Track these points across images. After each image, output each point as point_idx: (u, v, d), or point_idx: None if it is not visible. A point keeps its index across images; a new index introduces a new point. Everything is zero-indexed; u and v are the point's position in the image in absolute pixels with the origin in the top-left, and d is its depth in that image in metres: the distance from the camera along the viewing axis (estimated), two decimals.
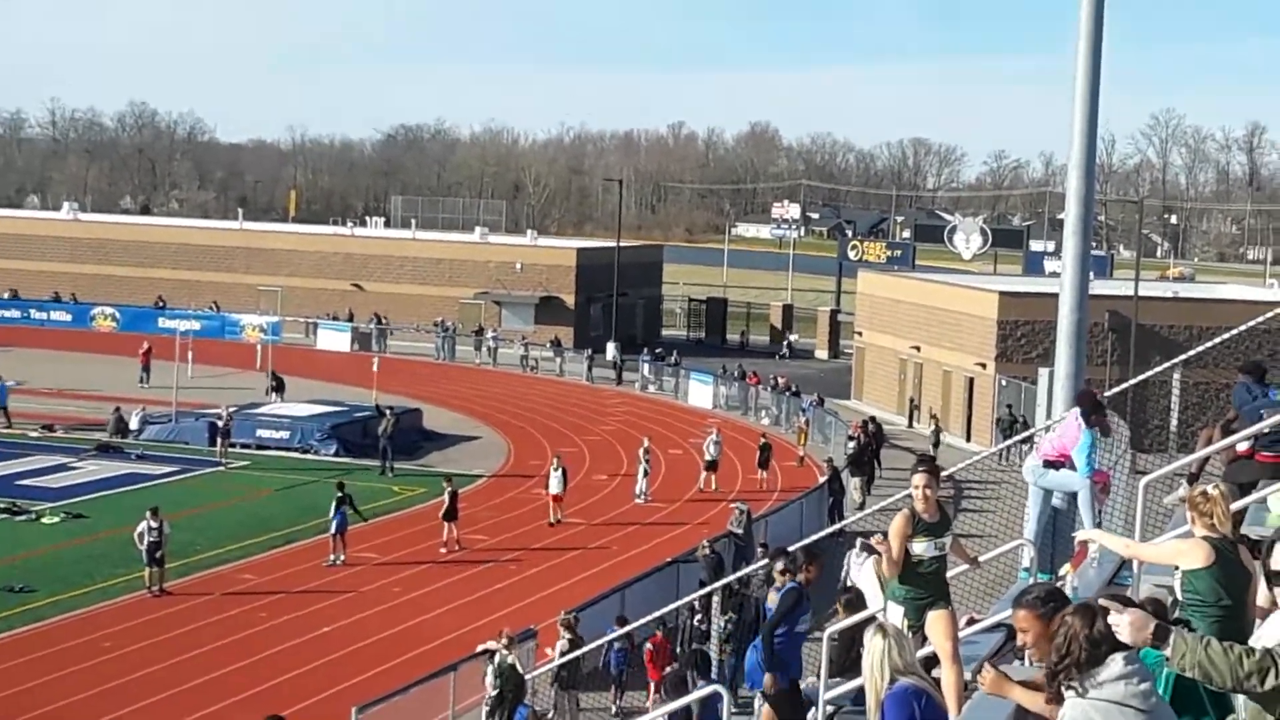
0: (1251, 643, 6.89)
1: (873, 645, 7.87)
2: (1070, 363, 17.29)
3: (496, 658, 26.63)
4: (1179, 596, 8.44)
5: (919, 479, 10.71)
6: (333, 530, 39.39)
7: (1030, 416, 51.22)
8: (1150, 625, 6.35)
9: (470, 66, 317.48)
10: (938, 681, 9.35)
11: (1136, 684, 6.21)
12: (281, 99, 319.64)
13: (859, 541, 16.72)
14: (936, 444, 59.79)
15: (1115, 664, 6.22)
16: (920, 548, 10.61)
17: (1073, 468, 14.13)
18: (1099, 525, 13.80)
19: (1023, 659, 11.18)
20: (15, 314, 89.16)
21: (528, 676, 25.91)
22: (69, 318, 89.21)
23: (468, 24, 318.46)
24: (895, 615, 10.57)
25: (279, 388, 62.58)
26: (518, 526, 44.45)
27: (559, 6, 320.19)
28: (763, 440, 53.77)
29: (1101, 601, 6.48)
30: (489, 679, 25.75)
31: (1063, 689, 6.32)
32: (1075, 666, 6.26)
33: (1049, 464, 14.48)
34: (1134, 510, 12.70)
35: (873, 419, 56.66)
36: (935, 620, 10.30)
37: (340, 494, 39.84)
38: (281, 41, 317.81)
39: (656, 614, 26.22)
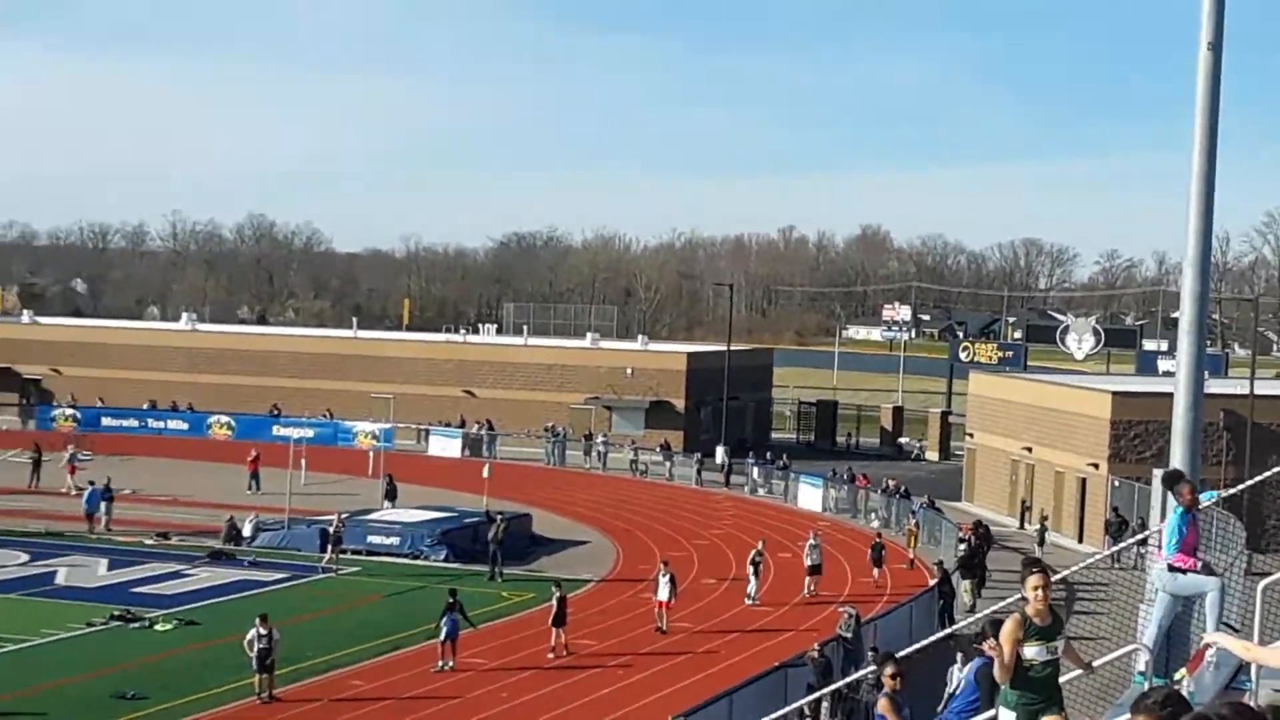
0: None
1: None
2: (1185, 462, 16.97)
3: None
4: None
5: (1034, 580, 10.50)
6: (442, 637, 39.35)
7: (1146, 517, 50.41)
8: None
9: (582, 173, 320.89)
10: None
11: None
12: (396, 208, 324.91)
13: (966, 644, 16.45)
14: (1041, 543, 59.19)
15: None
16: (1032, 651, 10.41)
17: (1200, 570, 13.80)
18: (1220, 627, 13.46)
19: None
20: (134, 423, 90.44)
21: None
22: (186, 426, 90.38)
23: (579, 131, 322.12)
24: (1005, 717, 10.36)
25: (391, 494, 62.91)
26: (626, 631, 44.21)
27: (667, 114, 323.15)
28: (877, 539, 53.39)
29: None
30: None
31: None
32: None
33: (1173, 569, 14.14)
34: (1251, 613, 12.39)
35: (980, 521, 56.04)
36: None
37: (451, 600, 39.82)
38: (395, 153, 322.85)
39: (767, 719, 25.85)
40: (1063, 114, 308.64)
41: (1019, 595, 11.02)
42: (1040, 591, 10.48)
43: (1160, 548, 14.89)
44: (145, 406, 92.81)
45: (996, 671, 10.63)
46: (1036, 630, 10.41)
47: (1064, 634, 10.74)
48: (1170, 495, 14.34)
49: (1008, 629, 10.37)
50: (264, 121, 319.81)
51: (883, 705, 17.09)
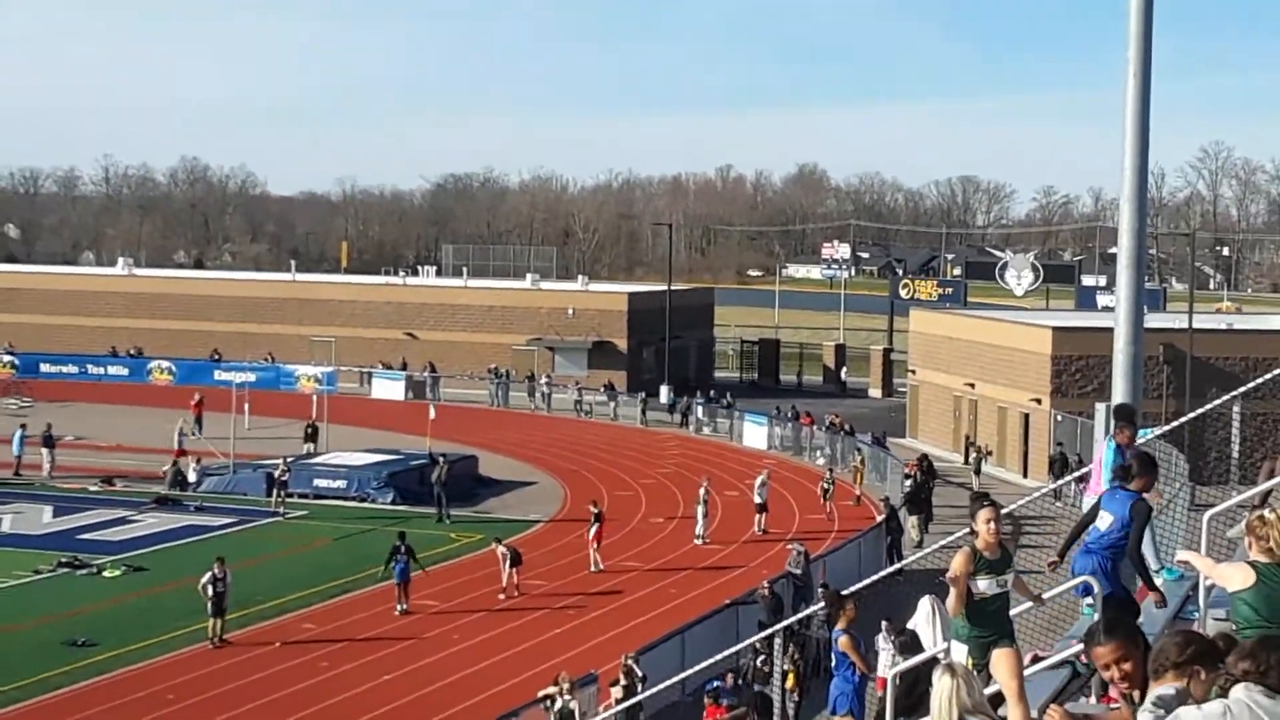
0: None
1: (941, 685, 7.87)
2: (1127, 397, 17.20)
3: (557, 703, 26.70)
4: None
5: (985, 514, 10.62)
6: (395, 579, 39.50)
7: (1087, 453, 51.00)
8: None
9: (518, 114, 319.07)
10: None
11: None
12: (331, 151, 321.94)
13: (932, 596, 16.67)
14: (978, 472, 59.96)
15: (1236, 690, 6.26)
16: (983, 585, 10.53)
17: None
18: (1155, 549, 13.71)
19: (1089, 695, 11.16)
20: (73, 369, 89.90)
21: None
22: (126, 372, 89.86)
23: (514, 72, 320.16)
24: (960, 654, 10.52)
25: (313, 436, 62.78)
26: (576, 571, 44.46)
27: (604, 53, 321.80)
28: (829, 476, 54.02)
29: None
30: None
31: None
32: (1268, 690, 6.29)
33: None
34: (1198, 544, 12.64)
35: (925, 456, 56.54)
36: (1000, 658, 10.25)
37: (400, 542, 39.96)
38: (330, 94, 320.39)
39: (718, 656, 26.16)
40: (998, 50, 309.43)
41: (967, 529, 11.17)
42: (991, 525, 10.63)
43: (1086, 481, 15.15)
44: (131, 353, 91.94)
45: (950, 604, 10.79)
46: (986, 563, 10.55)
47: (1013, 567, 10.91)
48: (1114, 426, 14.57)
49: (959, 563, 10.53)
50: (195, 62, 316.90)
51: (844, 643, 17.32)
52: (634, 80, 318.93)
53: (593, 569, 44.49)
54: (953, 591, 10.53)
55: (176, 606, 38.58)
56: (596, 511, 45.70)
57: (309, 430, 63.11)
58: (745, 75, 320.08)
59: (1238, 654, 6.68)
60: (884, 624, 22.09)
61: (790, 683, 27.03)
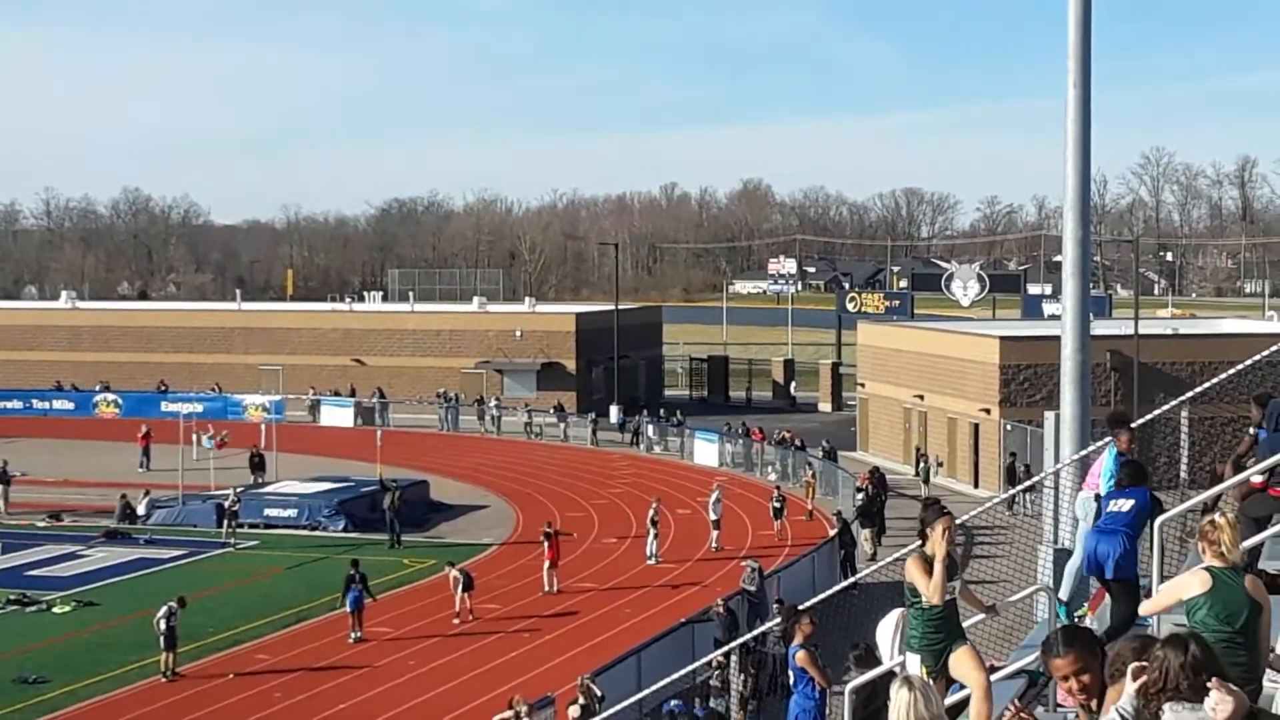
0: None
1: (899, 698, 7.82)
2: (1075, 404, 17.27)
3: None
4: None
5: (944, 523, 10.55)
6: (348, 608, 39.28)
7: (1037, 462, 51.15)
8: (1244, 711, 6.25)
9: (460, 138, 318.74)
10: None
11: None
12: (274, 179, 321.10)
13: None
14: (926, 481, 60.26)
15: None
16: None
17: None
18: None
19: (1046, 705, 11.14)
20: (18, 404, 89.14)
21: None
22: (71, 406, 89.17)
23: (455, 96, 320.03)
24: (914, 664, 10.47)
25: (259, 465, 62.26)
26: (529, 594, 44.30)
27: (546, 75, 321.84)
28: (778, 493, 53.73)
29: (1215, 683, 6.36)
30: None
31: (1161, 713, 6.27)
32: (1174, 696, 6.22)
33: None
34: (1149, 549, 12.64)
35: (876, 469, 56.65)
36: (960, 657, 10.18)
37: (354, 571, 39.72)
38: (272, 121, 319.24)
39: (675, 675, 26.06)
40: (938, 62, 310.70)
41: (917, 537, 11.07)
42: (947, 533, 10.59)
43: (1078, 482, 15.10)
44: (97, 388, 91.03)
45: (934, 593, 10.56)
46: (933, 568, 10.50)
47: (960, 575, 10.86)
48: (1111, 436, 14.58)
49: (915, 567, 10.46)
50: (134, 93, 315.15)
51: (802, 658, 17.23)
52: (577, 99, 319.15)
53: (546, 589, 44.35)
54: (937, 573, 10.32)
55: (128, 641, 38.26)
56: (549, 531, 45.55)
57: (254, 459, 62.67)
58: (688, 92, 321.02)
59: (1133, 654, 6.66)
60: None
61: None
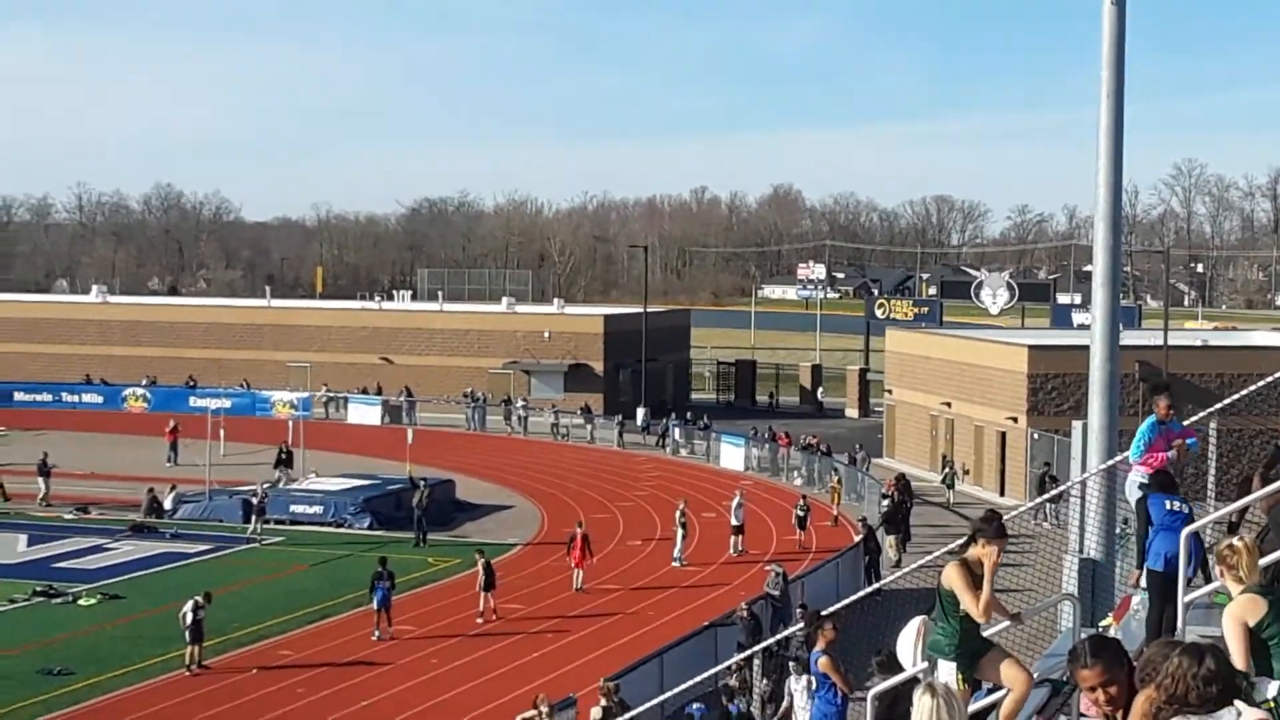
0: None
1: (921, 704, 7.82)
2: (1103, 414, 17.16)
3: None
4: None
5: (1000, 545, 10.43)
6: (375, 605, 39.35)
7: (1063, 472, 50.97)
8: None
9: (492, 138, 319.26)
10: None
11: None
12: (305, 177, 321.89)
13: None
14: (951, 487, 60.23)
15: (1229, 716, 6.16)
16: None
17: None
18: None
19: (1069, 715, 11.10)
20: (48, 397, 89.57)
21: None
22: (100, 400, 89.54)
23: (488, 96, 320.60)
24: (947, 671, 10.44)
25: (287, 461, 62.32)
26: (554, 595, 44.34)
27: (578, 78, 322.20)
28: (803, 502, 53.52)
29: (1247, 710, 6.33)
30: None
31: None
32: (1186, 706, 6.19)
33: (1142, 485, 14.03)
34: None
35: (902, 476, 56.56)
36: (997, 659, 10.17)
37: (381, 569, 39.77)
38: (304, 120, 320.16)
39: (697, 678, 26.06)
40: (971, 70, 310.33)
41: (949, 548, 11.05)
42: (999, 553, 10.52)
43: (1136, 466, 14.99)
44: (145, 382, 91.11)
45: (979, 611, 10.48)
46: (976, 579, 10.50)
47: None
48: (1151, 402, 14.54)
49: (959, 576, 10.36)
50: (168, 90, 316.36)
51: (825, 664, 17.22)
52: (608, 103, 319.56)
53: (577, 587, 44.55)
54: (986, 591, 10.27)
55: (153, 634, 38.41)
56: (581, 532, 45.74)
57: (282, 454, 62.72)
58: (719, 98, 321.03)
59: (1165, 659, 6.65)
60: (791, 665, 22.06)
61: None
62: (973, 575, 10.32)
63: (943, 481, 63.08)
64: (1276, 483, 13.42)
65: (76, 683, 34.74)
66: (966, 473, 63.50)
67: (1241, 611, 8.38)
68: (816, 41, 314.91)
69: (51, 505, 56.49)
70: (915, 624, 15.71)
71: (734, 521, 50.83)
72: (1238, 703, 6.27)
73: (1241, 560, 8.66)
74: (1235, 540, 8.96)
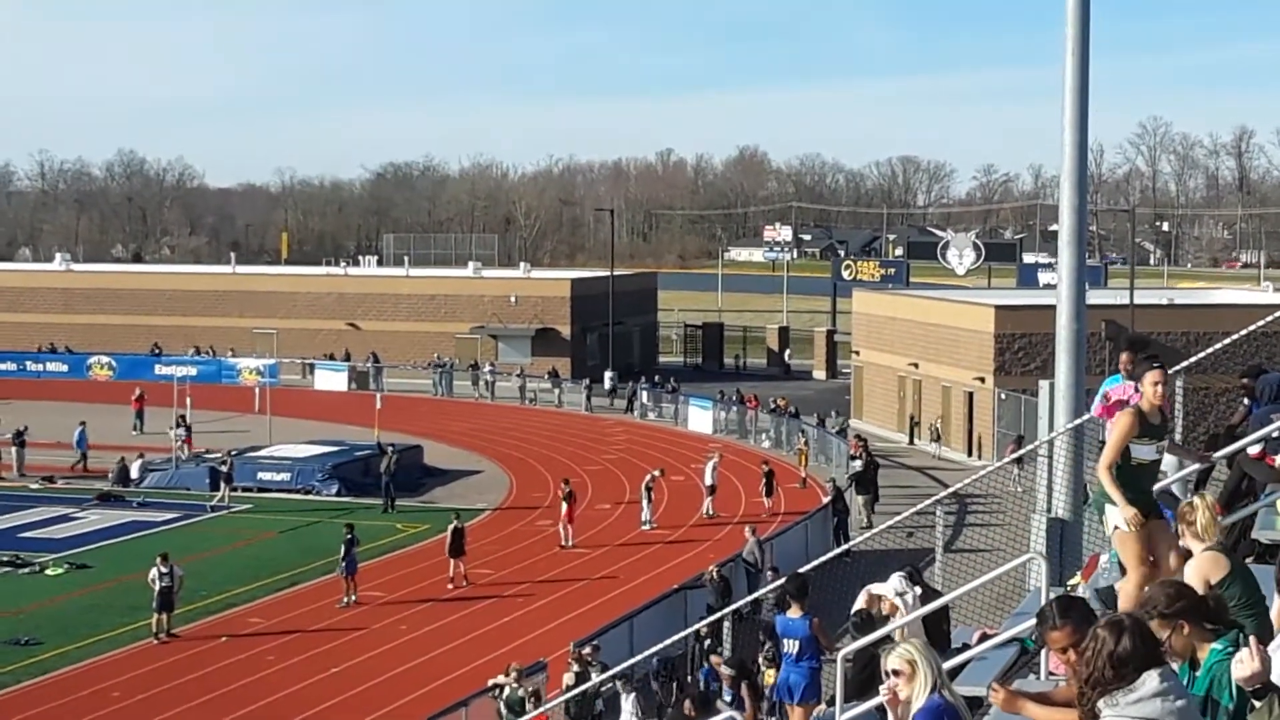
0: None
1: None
2: (1070, 374, 17.17)
3: (506, 691, 26.61)
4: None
5: (1153, 375, 10.19)
6: (343, 572, 39.30)
7: (1030, 431, 51.09)
8: (1263, 679, 6.20)
9: (456, 102, 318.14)
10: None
11: (1173, 701, 6.13)
12: (269, 142, 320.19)
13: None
14: (937, 440, 60.69)
15: (1151, 681, 6.12)
16: (1142, 451, 10.18)
17: None
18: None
19: (1037, 673, 11.13)
20: (11, 366, 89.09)
21: (540, 709, 25.78)
22: (65, 368, 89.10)
23: (452, 61, 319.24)
24: (1114, 517, 10.05)
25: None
26: (523, 559, 44.36)
27: (543, 39, 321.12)
28: (766, 468, 53.47)
29: (1253, 642, 6.29)
30: (501, 713, 25.67)
31: (1096, 707, 6.21)
32: (1099, 684, 6.16)
33: None
34: None
35: (858, 436, 56.25)
36: (1155, 529, 9.97)
37: (349, 535, 39.72)
38: (267, 85, 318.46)
39: (667, 641, 26.04)
40: (936, 29, 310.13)
41: (915, 509, 11.01)
42: (1158, 387, 10.22)
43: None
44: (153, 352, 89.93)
45: (1104, 460, 10.21)
46: (1149, 428, 10.16)
47: (1170, 434, 10.54)
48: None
49: (1124, 424, 10.11)
50: (130, 55, 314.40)
51: (817, 624, 17.31)
52: (573, 65, 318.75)
53: (564, 544, 45.30)
54: (1109, 450, 10.12)
55: (120, 603, 38.31)
56: (568, 490, 46.39)
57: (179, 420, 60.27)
58: (684, 58, 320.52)
59: (1166, 600, 6.65)
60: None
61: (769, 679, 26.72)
62: (1139, 425, 10.05)
63: (912, 442, 63.36)
64: (1240, 442, 13.48)
65: (44, 652, 34.63)
66: (935, 436, 63.81)
67: (1204, 569, 8.39)
68: (782, 0, 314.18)
69: (26, 475, 56.14)
70: (896, 579, 15.76)
71: (707, 482, 50.84)
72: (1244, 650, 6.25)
73: (1198, 518, 8.68)
74: (1195, 498, 8.96)
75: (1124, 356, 13.71)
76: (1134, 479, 10.06)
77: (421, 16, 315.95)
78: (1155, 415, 10.21)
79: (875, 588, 16.20)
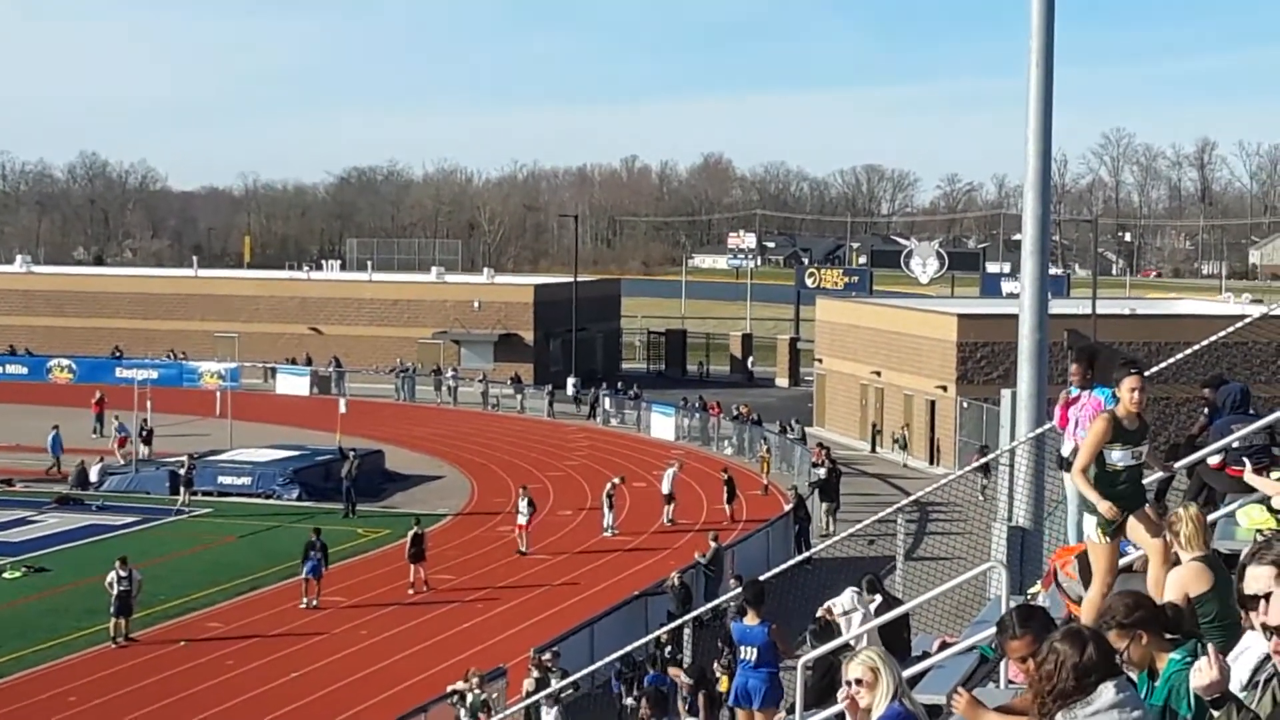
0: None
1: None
2: (1032, 382, 17.25)
3: (469, 698, 26.54)
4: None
5: (1131, 381, 10.13)
6: (305, 574, 39.13)
7: (993, 439, 51.19)
8: (1221, 689, 6.17)
9: (421, 107, 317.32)
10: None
11: (1129, 712, 6.12)
12: (232, 146, 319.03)
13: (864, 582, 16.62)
14: (904, 448, 60.77)
15: (1107, 692, 6.10)
16: (1116, 456, 10.04)
17: None
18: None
19: (997, 682, 11.14)
20: None
21: (499, 715, 25.72)
22: (25, 371, 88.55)
23: (417, 65, 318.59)
24: (1089, 527, 10.03)
25: (145, 439, 60.18)
26: (485, 565, 44.27)
27: (508, 45, 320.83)
28: (726, 476, 53.38)
29: (1211, 651, 6.27)
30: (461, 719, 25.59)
31: (1055, 718, 6.18)
32: (1062, 697, 6.14)
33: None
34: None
35: (820, 444, 56.30)
36: (1139, 519, 9.94)
37: (315, 540, 39.56)
38: (231, 88, 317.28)
39: (628, 647, 26.00)
40: (901, 38, 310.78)
41: (876, 517, 11.00)
42: (1136, 394, 10.13)
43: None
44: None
45: (1077, 464, 10.18)
46: (1123, 433, 10.06)
47: (1149, 439, 10.57)
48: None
49: (1097, 429, 10.06)
50: (93, 57, 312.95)
51: (776, 630, 17.28)
52: (538, 71, 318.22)
53: (522, 550, 45.31)
54: (1082, 454, 10.10)
55: (79, 607, 38.08)
56: (527, 498, 46.54)
57: (142, 431, 60.49)
58: (649, 65, 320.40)
59: (1125, 610, 6.62)
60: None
61: (724, 685, 26.68)
62: (1113, 431, 9.99)
63: (874, 450, 63.46)
64: (1200, 452, 13.53)
65: (1, 656, 34.39)
66: (902, 444, 64.00)
67: (1185, 582, 8.38)
68: (748, 7, 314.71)
69: None
70: (848, 594, 15.75)
71: (665, 490, 50.79)
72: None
73: (1183, 529, 8.66)
74: (1180, 509, 8.93)
75: (1073, 368, 13.69)
76: (1110, 484, 10.02)
77: (386, 21, 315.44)
78: (1133, 421, 10.17)
79: (830, 604, 16.25)
